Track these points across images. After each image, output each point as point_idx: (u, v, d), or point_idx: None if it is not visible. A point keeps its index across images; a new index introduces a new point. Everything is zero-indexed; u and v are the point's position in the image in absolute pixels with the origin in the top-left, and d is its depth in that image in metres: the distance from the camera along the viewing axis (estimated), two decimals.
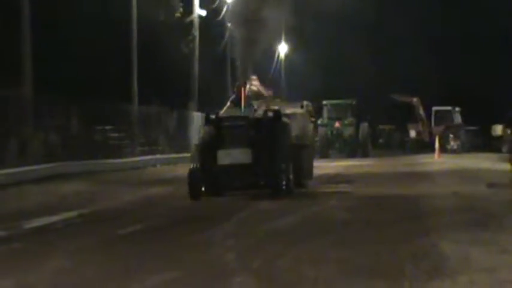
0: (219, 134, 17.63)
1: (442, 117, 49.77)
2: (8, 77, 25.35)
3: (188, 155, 31.24)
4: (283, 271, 8.83)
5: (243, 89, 18.24)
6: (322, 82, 55.22)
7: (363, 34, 61.79)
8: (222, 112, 18.22)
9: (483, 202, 15.52)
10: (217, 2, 41.81)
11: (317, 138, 39.06)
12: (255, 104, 18.68)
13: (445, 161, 34.26)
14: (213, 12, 41.75)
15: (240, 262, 9.38)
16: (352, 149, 43.47)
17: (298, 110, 20.33)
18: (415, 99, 50.23)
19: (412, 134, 51.07)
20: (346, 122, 44.25)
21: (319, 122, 41.41)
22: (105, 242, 11.40)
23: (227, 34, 40.53)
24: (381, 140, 59.63)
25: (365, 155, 42.37)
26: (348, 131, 44.06)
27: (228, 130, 17.59)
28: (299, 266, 9.03)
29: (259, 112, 18.24)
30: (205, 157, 17.57)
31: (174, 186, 20.55)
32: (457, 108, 49.95)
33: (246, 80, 18.80)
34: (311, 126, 21.80)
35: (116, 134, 32.58)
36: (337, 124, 44.14)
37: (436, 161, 34.72)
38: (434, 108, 50.54)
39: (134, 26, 33.88)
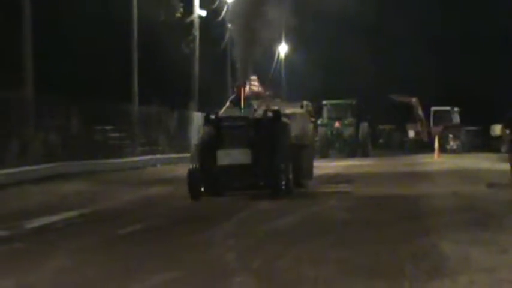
0: (219, 134, 17.60)
1: (440, 117, 49.82)
2: (9, 76, 25.35)
3: (188, 155, 31.21)
4: (283, 271, 8.84)
5: (242, 89, 18.24)
6: (322, 82, 55.20)
7: (363, 34, 61.81)
8: (221, 112, 18.18)
9: (483, 202, 15.54)
10: (217, 2, 41.82)
11: (317, 138, 39.05)
12: (255, 104, 18.61)
13: (445, 161, 34.28)
14: (213, 12, 41.76)
15: (240, 262, 9.39)
16: (352, 149, 43.46)
17: (298, 110, 20.29)
18: (414, 100, 50.28)
19: (411, 134, 51.13)
20: (346, 122, 44.25)
21: (319, 122, 41.39)
22: (105, 242, 11.42)
23: (227, 34, 40.52)
24: (380, 140, 59.60)
25: (365, 155, 42.36)
26: (348, 131, 44.05)
27: (227, 130, 17.56)
28: (299, 266, 9.04)
29: (259, 112, 18.20)
30: (205, 157, 17.52)
31: (174, 186, 20.54)
32: (456, 109, 49.99)
33: (245, 80, 18.81)
34: (311, 126, 21.76)
35: (116, 134, 32.53)
36: (337, 124, 44.14)
37: (435, 161, 34.73)
38: (433, 108, 50.60)
39: (135, 26, 33.89)
